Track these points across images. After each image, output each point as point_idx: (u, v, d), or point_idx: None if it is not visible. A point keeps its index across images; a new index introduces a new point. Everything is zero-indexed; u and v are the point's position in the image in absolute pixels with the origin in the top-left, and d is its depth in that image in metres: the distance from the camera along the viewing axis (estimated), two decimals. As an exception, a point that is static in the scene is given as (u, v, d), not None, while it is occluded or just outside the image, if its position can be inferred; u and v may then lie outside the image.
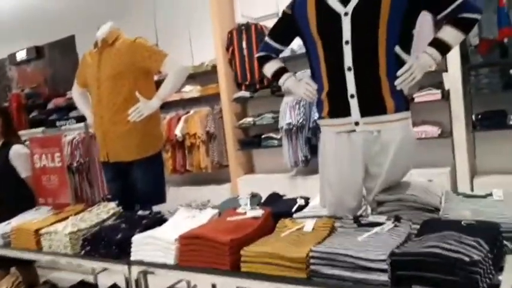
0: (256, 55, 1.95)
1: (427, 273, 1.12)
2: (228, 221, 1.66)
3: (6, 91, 6.57)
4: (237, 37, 4.08)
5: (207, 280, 1.75)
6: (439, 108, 3.34)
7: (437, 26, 2.64)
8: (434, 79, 3.20)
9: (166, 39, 4.65)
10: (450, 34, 1.55)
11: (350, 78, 1.57)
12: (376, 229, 1.39)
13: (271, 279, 1.34)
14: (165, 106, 4.06)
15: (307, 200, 1.98)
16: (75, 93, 2.81)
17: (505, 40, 3.04)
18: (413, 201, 1.54)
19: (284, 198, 2.12)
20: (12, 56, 6.34)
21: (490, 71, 3.07)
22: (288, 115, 3.72)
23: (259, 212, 1.67)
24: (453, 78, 3.13)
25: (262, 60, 1.90)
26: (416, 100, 3.25)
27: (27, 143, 3.18)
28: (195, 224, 1.72)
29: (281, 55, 1.95)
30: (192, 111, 4.44)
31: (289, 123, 3.70)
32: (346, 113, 1.61)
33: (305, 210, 1.82)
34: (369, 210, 1.74)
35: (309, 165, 3.78)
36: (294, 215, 1.75)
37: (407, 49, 1.59)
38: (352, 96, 1.58)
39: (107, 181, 2.74)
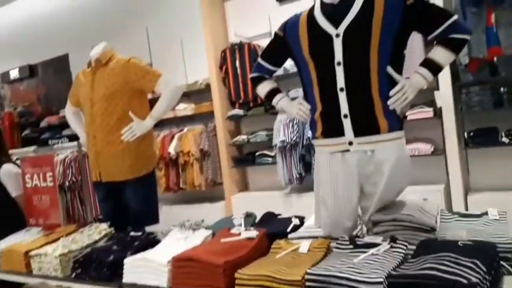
0: (249, 76, 1.96)
1: (425, 296, 1.10)
2: (222, 242, 1.63)
3: (-2, 109, 6.53)
4: (230, 56, 4.11)
5: (200, 303, 1.71)
6: (432, 125, 3.36)
7: (428, 45, 2.69)
8: (426, 97, 3.23)
9: (160, 58, 4.68)
10: (441, 54, 1.58)
11: (343, 98, 1.57)
12: (372, 250, 1.37)
13: (266, 302, 1.31)
14: (159, 124, 4.03)
15: (302, 220, 1.96)
16: (69, 113, 2.79)
17: (495, 59, 3.09)
18: (409, 221, 1.53)
19: (279, 217, 2.10)
20: (5, 75, 6.32)
21: (481, 89, 3.11)
22: (282, 132, 3.73)
23: (253, 233, 1.65)
24: (445, 96, 3.17)
25: (256, 81, 1.92)
26: (408, 118, 3.28)
27: (18, 161, 3.15)
28: (188, 245, 1.69)
29: (274, 74, 1.97)
30: (185, 129, 4.44)
31: (283, 141, 3.70)
32: (340, 133, 1.61)
33: (300, 230, 1.80)
34: (365, 230, 1.73)
35: (303, 182, 3.77)
36: (289, 236, 1.73)
37: (399, 69, 1.61)
38: (345, 116, 1.59)
39: (99, 201, 2.70)
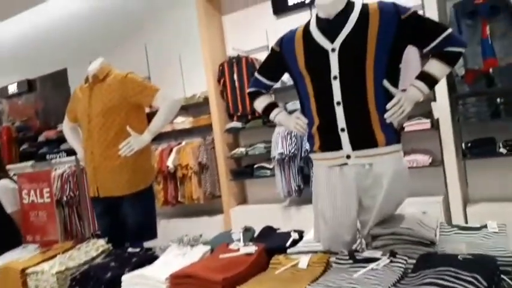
0: (247, 91, 1.97)
1: (425, 312, 1.09)
2: (220, 258, 1.62)
3: (-4, 124, 6.53)
4: (228, 69, 4.13)
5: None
6: (429, 137, 3.37)
7: (424, 57, 2.71)
8: (423, 108, 3.25)
9: (158, 72, 4.71)
10: (436, 67, 1.59)
11: (340, 112, 1.58)
12: (372, 265, 1.36)
13: (265, 320, 1.30)
14: (157, 137, 4.04)
15: (301, 234, 1.95)
16: (66, 128, 2.79)
17: (491, 70, 3.11)
18: (408, 234, 1.52)
19: (278, 232, 2.08)
20: (4, 90, 6.34)
21: (477, 100, 3.13)
22: (280, 145, 3.73)
23: (252, 249, 1.63)
24: (442, 108, 3.18)
25: (253, 96, 1.93)
26: (406, 129, 3.29)
27: (15, 177, 3.14)
28: (186, 261, 1.68)
29: (271, 88, 1.98)
30: (184, 143, 4.44)
31: (282, 153, 3.70)
32: (338, 146, 1.61)
33: (299, 245, 1.79)
34: (364, 245, 1.72)
35: (302, 194, 3.76)
36: (288, 251, 1.72)
37: (394, 82, 1.61)
38: (342, 130, 1.59)
39: (97, 217, 2.69)
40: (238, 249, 1.65)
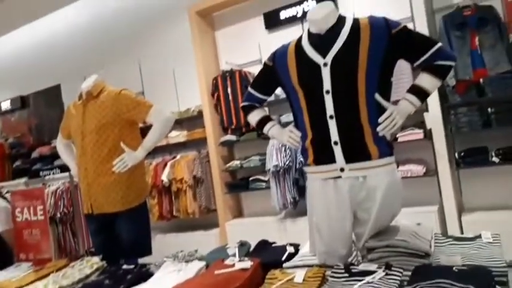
0: (240, 105, 1.98)
1: (422, 326, 1.08)
2: (215, 274, 1.61)
3: (-11, 141, 6.49)
4: (221, 83, 4.16)
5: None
6: (423, 147, 3.39)
7: (416, 69, 2.74)
8: (416, 119, 3.27)
9: (152, 87, 4.72)
10: (427, 81, 1.61)
11: (332, 126, 1.59)
12: (368, 278, 1.36)
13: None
14: (152, 152, 4.00)
15: (297, 247, 1.94)
16: (60, 145, 2.78)
17: (481, 80, 3.15)
18: (403, 247, 1.53)
19: (273, 245, 2.07)
20: (-3, 106, 6.32)
21: (469, 110, 3.16)
22: (275, 157, 3.73)
23: (247, 264, 1.62)
24: (434, 118, 3.21)
25: (247, 110, 1.94)
26: (399, 140, 3.31)
27: (8, 194, 3.11)
28: (181, 278, 1.66)
29: (264, 102, 1.99)
30: (178, 156, 4.43)
31: (276, 165, 3.71)
32: (331, 159, 1.62)
33: (295, 259, 1.78)
34: (360, 257, 1.71)
35: (297, 207, 3.76)
36: (284, 265, 1.71)
37: (386, 96, 1.63)
38: (335, 143, 1.60)
39: (91, 234, 2.66)
40: (233, 265, 1.64)
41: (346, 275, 1.43)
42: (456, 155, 3.24)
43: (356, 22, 1.60)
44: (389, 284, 1.32)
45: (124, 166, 2.35)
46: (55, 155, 5.14)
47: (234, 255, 1.85)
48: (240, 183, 4.20)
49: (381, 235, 1.63)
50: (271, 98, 3.60)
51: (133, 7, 4.90)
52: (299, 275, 1.49)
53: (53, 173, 4.36)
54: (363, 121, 1.57)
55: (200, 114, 4.27)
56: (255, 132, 4.00)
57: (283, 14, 3.99)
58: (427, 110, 3.25)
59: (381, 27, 1.56)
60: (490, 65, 3.12)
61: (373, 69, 1.55)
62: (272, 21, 4.06)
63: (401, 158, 3.39)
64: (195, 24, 4.20)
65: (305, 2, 3.89)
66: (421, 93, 1.61)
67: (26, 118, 6.11)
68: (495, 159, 3.09)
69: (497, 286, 1.27)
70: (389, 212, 1.67)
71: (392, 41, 1.55)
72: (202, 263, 1.79)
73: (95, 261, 2.13)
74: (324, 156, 1.64)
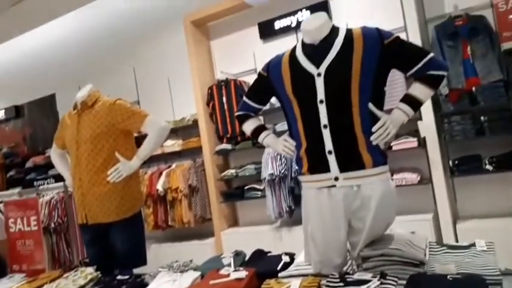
0: (235, 114, 1.99)
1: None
2: (210, 285, 1.60)
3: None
4: (217, 92, 4.17)
5: None
6: (417, 155, 3.41)
7: (409, 79, 2.77)
8: (409, 127, 3.30)
9: (147, 96, 4.73)
10: (419, 90, 1.63)
11: (327, 135, 1.60)
12: (363, 287, 1.36)
13: None
14: (147, 161, 4.00)
15: (292, 257, 1.94)
16: (54, 155, 2.77)
17: (473, 89, 3.19)
18: (398, 255, 1.53)
19: (269, 255, 2.07)
20: (-9, 116, 6.30)
21: (462, 119, 3.19)
22: (270, 166, 3.74)
23: (243, 273, 1.62)
24: (428, 126, 3.24)
25: (242, 119, 1.96)
26: (394, 148, 3.33)
27: (1, 205, 3.09)
28: (176, 289, 1.65)
29: (259, 112, 2.00)
30: (173, 165, 4.43)
31: (272, 174, 3.71)
32: (326, 168, 1.63)
33: (290, 268, 1.78)
34: (355, 266, 1.71)
35: (293, 215, 3.75)
36: (279, 274, 1.71)
37: (380, 105, 1.64)
38: (329, 152, 1.61)
39: (85, 244, 2.64)
40: (228, 275, 1.64)
41: (341, 284, 1.43)
42: (450, 163, 3.26)
43: (349, 33, 1.62)
44: (384, 293, 1.32)
45: (119, 176, 2.35)
46: (49, 165, 5.12)
47: (229, 265, 1.84)
48: (235, 192, 4.19)
49: (376, 244, 1.63)
50: (267, 106, 3.62)
51: (128, 16, 4.92)
52: (294, 285, 1.49)
53: (47, 183, 4.33)
54: (357, 130, 1.59)
55: (195, 123, 4.28)
56: (250, 141, 4.01)
57: (278, 24, 4.03)
58: (420, 119, 3.27)
59: (374, 37, 1.58)
60: (482, 74, 3.16)
61: (366, 79, 1.57)
62: (267, 31, 4.09)
63: (396, 166, 3.41)
64: (190, 34, 4.22)
65: (299, 12, 3.93)
66: (414, 103, 1.63)
67: (21, 128, 6.09)
68: (489, 167, 3.11)
69: (491, 294, 1.28)
70: (384, 221, 1.68)
71: (385, 51, 1.57)
72: (197, 273, 1.78)
73: (89, 271, 2.11)
74: (318, 165, 1.65)
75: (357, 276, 1.45)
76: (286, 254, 1.96)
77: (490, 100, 3.12)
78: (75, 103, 2.52)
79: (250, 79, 2.02)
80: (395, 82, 3.23)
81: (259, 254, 2.09)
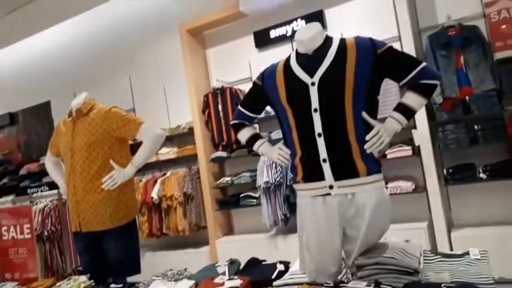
0: (230, 123, 2.00)
1: None
2: (205, 293, 1.60)
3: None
4: (212, 100, 4.18)
5: None
6: (411, 163, 3.43)
7: (403, 88, 2.80)
8: (404, 136, 3.32)
9: (143, 103, 4.74)
10: (413, 99, 1.65)
11: (321, 143, 1.61)
12: (357, 296, 1.36)
13: None
14: (142, 168, 3.98)
15: (287, 265, 1.94)
16: (48, 162, 2.76)
17: (467, 98, 3.22)
18: (392, 264, 1.53)
19: (264, 263, 2.07)
20: (-15, 123, 6.26)
21: (456, 127, 3.22)
22: (266, 174, 3.74)
23: (237, 282, 1.62)
24: (422, 135, 3.26)
25: (237, 127, 1.97)
26: (388, 156, 3.35)
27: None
28: (170, 297, 1.64)
29: (254, 120, 2.01)
30: (168, 173, 4.42)
31: (267, 182, 3.71)
32: (320, 177, 1.63)
33: (285, 277, 1.77)
34: (349, 275, 1.71)
35: (288, 223, 3.75)
36: (274, 283, 1.70)
37: (373, 114, 1.66)
38: (324, 160, 1.62)
39: (79, 252, 2.61)
40: (223, 283, 1.64)
41: (336, 293, 1.43)
42: (444, 171, 3.28)
43: (343, 42, 1.64)
44: (379, 302, 1.32)
45: (113, 184, 2.34)
46: (43, 172, 5.08)
47: (224, 273, 1.84)
48: (230, 200, 4.19)
49: (370, 252, 1.64)
50: (262, 114, 3.64)
51: (124, 24, 4.94)
52: (289, 294, 1.49)
53: (41, 191, 4.29)
54: (351, 139, 1.60)
55: (191, 130, 4.28)
56: (245, 149, 4.01)
57: (273, 33, 4.06)
58: (415, 127, 3.30)
59: (367, 47, 1.60)
60: (475, 83, 3.19)
61: (359, 88, 1.58)
62: (262, 40, 4.12)
63: (391, 174, 3.43)
64: (186, 42, 4.24)
65: (294, 22, 3.96)
66: (407, 112, 1.64)
67: (15, 135, 6.06)
68: (482, 175, 3.13)
69: (485, 303, 1.28)
70: (378, 229, 1.68)
71: (378, 60, 1.59)
72: (192, 282, 1.78)
73: (83, 280, 2.10)
74: (313, 173, 1.65)
75: (352, 284, 1.45)
76: (281, 262, 1.95)
77: (483, 109, 3.15)
78: (70, 110, 2.51)
79: (246, 87, 2.04)
80: (389, 91, 3.26)
81: (254, 263, 2.09)
